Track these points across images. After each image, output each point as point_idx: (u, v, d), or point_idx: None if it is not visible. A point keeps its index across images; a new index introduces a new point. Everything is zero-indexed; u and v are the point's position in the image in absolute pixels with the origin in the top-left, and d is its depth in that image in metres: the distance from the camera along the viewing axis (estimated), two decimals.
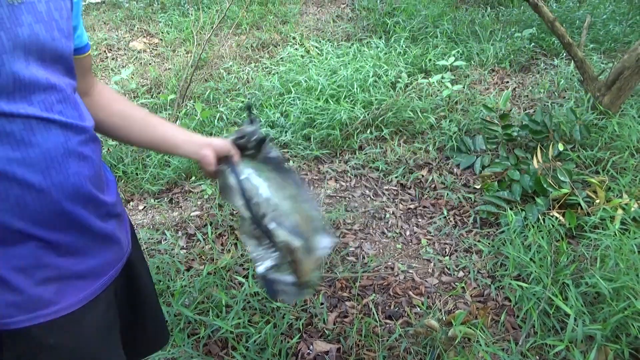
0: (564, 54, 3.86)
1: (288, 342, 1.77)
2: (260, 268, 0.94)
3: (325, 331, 1.85)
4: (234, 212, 2.45)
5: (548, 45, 4.11)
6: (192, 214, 2.48)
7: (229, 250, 2.22)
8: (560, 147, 2.60)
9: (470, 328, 1.80)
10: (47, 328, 0.75)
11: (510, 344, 1.76)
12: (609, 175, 2.49)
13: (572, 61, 3.22)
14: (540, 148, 2.62)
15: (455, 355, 1.72)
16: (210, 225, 2.36)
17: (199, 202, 2.57)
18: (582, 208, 2.26)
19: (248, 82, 3.75)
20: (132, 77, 3.83)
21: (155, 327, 1.12)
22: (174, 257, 2.17)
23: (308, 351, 1.78)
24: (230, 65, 3.99)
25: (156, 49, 4.47)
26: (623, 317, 1.65)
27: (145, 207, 2.60)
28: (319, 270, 1.01)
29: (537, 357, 1.72)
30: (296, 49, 4.19)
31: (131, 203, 2.66)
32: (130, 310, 1.00)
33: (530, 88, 3.55)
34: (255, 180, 1.02)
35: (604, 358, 1.63)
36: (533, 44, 4.10)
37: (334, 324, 1.89)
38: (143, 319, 1.06)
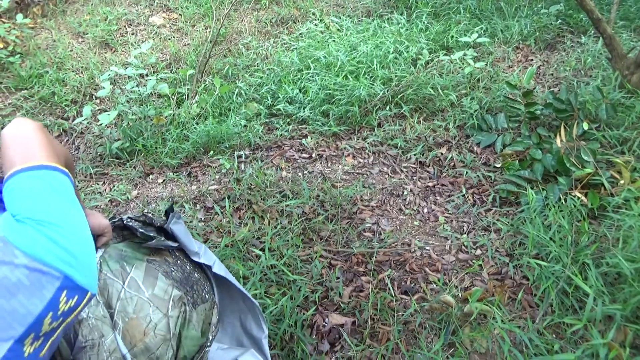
0: (592, 31, 3.73)
1: (304, 314, 1.79)
2: None
3: (341, 304, 1.86)
4: (252, 186, 2.46)
5: (575, 22, 3.97)
6: (210, 187, 2.49)
7: (246, 223, 2.23)
8: (585, 126, 2.54)
9: (487, 305, 1.79)
10: None
11: (526, 321, 1.75)
12: (634, 156, 2.42)
13: (601, 38, 3.11)
14: (564, 127, 2.56)
15: (470, 331, 1.72)
16: (228, 199, 2.38)
17: (217, 176, 2.59)
18: (605, 188, 2.21)
19: (267, 57, 3.73)
20: (151, 52, 3.84)
21: None
22: (192, 229, 2.19)
23: (323, 323, 1.80)
24: (249, 41, 3.96)
25: (175, 24, 4.45)
26: None
27: (164, 180, 2.63)
28: None
29: (554, 336, 1.71)
30: (315, 24, 4.13)
31: (150, 176, 2.69)
32: None
33: (556, 66, 3.45)
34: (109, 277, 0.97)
35: (623, 338, 1.61)
36: (560, 20, 3.97)
37: (350, 298, 1.90)
38: None
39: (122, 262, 1.00)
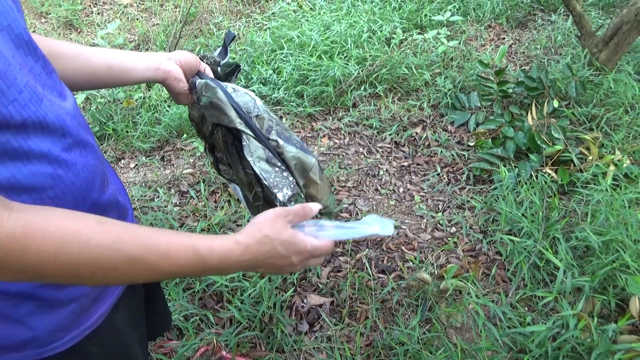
0: (562, 9, 3.77)
1: (282, 295, 1.80)
2: (280, 196, 0.80)
3: (319, 285, 1.88)
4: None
5: (546, 0, 4.01)
6: (184, 171, 2.46)
7: (222, 207, 2.21)
8: (555, 103, 2.59)
9: (462, 281, 1.83)
10: (89, 338, 0.72)
11: (500, 295, 1.80)
12: (602, 132, 2.48)
13: (570, 16, 3.15)
14: (535, 105, 2.60)
15: (446, 307, 1.76)
16: (203, 182, 2.35)
17: (191, 160, 2.55)
18: (574, 165, 2.26)
19: (239, 38, 3.65)
20: (119, 32, 3.71)
21: (164, 309, 1.12)
22: (167, 214, 2.16)
23: (302, 304, 1.81)
24: (221, 21, 3.87)
25: (143, 3, 4.31)
26: (611, 269, 1.69)
27: (136, 165, 2.58)
28: (332, 194, 0.88)
29: (526, 308, 1.76)
30: (288, 3, 4.06)
31: (122, 161, 2.62)
32: (145, 297, 0.99)
33: (527, 44, 3.49)
34: (245, 93, 0.84)
35: (591, 308, 1.67)
36: None
37: (328, 279, 1.91)
38: (154, 304, 1.05)
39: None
